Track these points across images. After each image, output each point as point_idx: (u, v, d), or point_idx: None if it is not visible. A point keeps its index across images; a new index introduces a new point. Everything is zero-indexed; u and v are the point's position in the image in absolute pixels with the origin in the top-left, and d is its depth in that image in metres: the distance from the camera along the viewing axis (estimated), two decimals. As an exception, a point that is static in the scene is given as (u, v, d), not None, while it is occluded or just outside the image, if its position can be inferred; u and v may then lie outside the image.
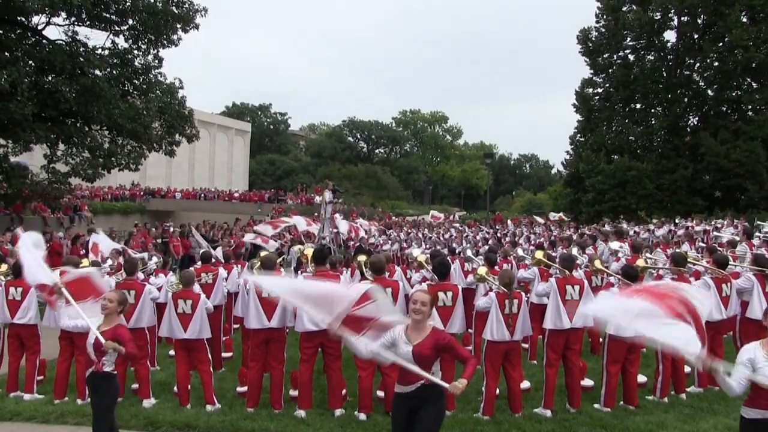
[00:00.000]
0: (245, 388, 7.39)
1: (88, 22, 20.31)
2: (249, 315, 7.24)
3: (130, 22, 20.67)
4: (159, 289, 8.89)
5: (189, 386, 7.47)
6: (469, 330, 9.16)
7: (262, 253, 9.06)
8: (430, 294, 5.02)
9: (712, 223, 21.43)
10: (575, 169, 36.34)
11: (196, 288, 7.89)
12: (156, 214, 32.90)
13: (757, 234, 15.69)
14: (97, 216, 26.79)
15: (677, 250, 11.04)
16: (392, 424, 4.75)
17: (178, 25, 21.16)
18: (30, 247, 6.65)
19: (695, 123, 35.48)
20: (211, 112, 57.96)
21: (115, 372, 5.38)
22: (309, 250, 8.25)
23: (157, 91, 22.02)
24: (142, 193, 36.24)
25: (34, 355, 7.94)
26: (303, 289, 5.29)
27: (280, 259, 12.17)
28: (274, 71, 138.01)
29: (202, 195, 41.22)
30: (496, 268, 8.89)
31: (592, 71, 36.76)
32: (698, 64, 34.85)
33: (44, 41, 19.90)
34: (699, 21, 33.75)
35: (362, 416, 6.82)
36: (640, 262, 8.64)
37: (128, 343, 5.20)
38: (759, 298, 7.83)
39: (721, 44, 32.52)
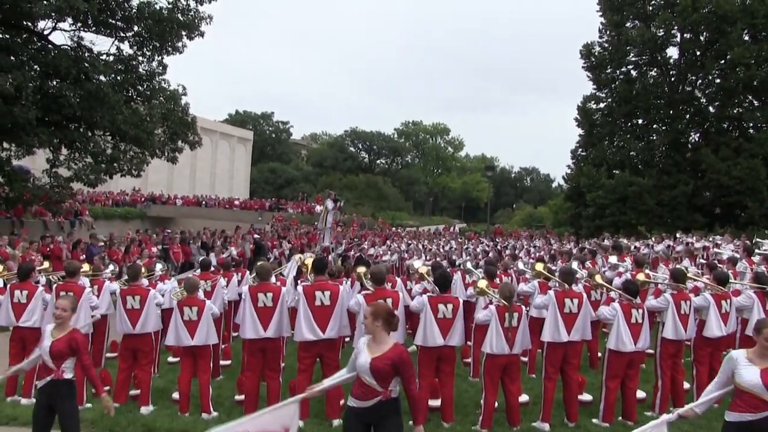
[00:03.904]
0: (243, 397, 7.38)
1: (93, 28, 20.40)
2: (245, 324, 7.24)
3: (136, 28, 20.75)
4: (164, 295, 8.89)
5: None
6: (468, 343, 9.18)
7: (259, 262, 9.04)
8: (379, 306, 4.64)
9: (711, 239, 21.41)
10: (576, 183, 36.40)
11: (200, 294, 7.89)
12: (156, 221, 32.88)
13: (756, 251, 15.65)
14: (98, 221, 26.74)
15: (677, 266, 11.06)
16: None
17: (183, 33, 21.20)
18: None
19: (696, 139, 35.64)
20: (213, 119, 58.12)
21: (74, 378, 5.29)
22: (309, 260, 8.25)
23: (161, 98, 22.08)
24: (143, 199, 36.27)
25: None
26: None
27: (280, 268, 12.16)
28: (277, 80, 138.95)
29: (203, 202, 41.29)
30: (497, 281, 8.90)
31: (594, 86, 36.92)
32: (700, 81, 35.04)
33: (50, 46, 19.98)
34: (701, 38, 33.92)
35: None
36: (641, 277, 8.65)
37: (83, 350, 5.21)
38: (759, 315, 7.82)
39: (723, 62, 32.67)
